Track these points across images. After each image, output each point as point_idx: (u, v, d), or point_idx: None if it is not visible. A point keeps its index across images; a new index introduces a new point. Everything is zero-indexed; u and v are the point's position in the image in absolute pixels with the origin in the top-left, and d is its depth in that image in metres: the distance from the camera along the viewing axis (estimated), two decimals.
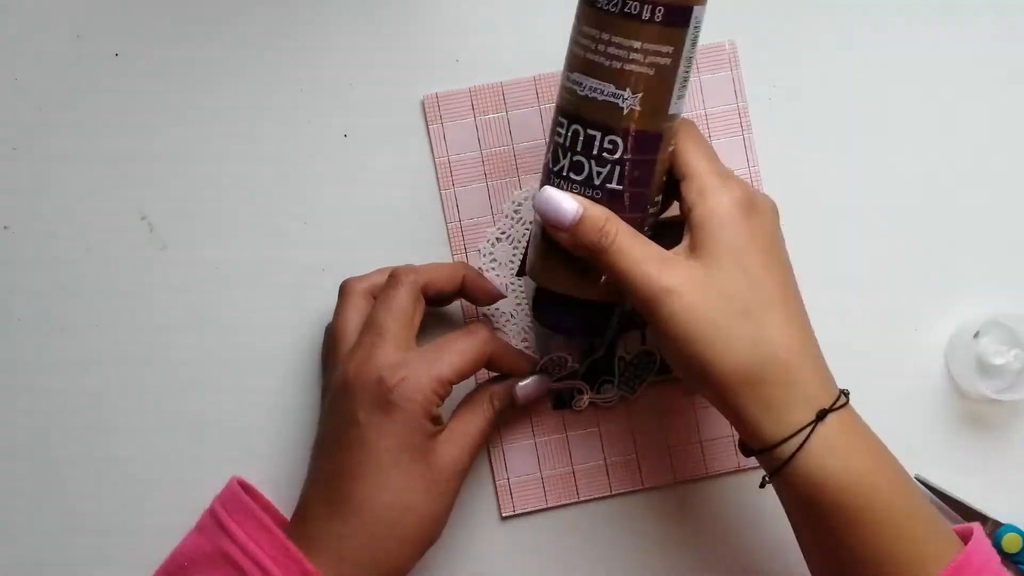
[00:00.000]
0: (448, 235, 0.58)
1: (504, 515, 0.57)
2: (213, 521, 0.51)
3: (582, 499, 0.57)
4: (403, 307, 0.52)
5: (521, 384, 0.55)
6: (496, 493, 0.57)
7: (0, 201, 0.58)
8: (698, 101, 0.59)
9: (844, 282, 0.58)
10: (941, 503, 0.58)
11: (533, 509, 0.58)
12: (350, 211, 0.58)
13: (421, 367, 0.50)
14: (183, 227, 0.58)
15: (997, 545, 0.57)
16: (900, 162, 0.59)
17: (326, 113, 0.59)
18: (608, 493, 0.57)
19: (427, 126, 0.59)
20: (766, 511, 0.56)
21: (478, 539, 0.57)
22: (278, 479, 0.56)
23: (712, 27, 0.58)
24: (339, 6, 0.59)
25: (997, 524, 0.57)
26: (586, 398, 0.57)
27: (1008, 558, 0.57)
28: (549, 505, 0.57)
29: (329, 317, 0.56)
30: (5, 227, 0.57)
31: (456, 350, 0.52)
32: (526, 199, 0.58)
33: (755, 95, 0.59)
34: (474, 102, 0.59)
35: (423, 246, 0.58)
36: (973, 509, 0.57)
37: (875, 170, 0.59)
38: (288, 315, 0.58)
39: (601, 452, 0.58)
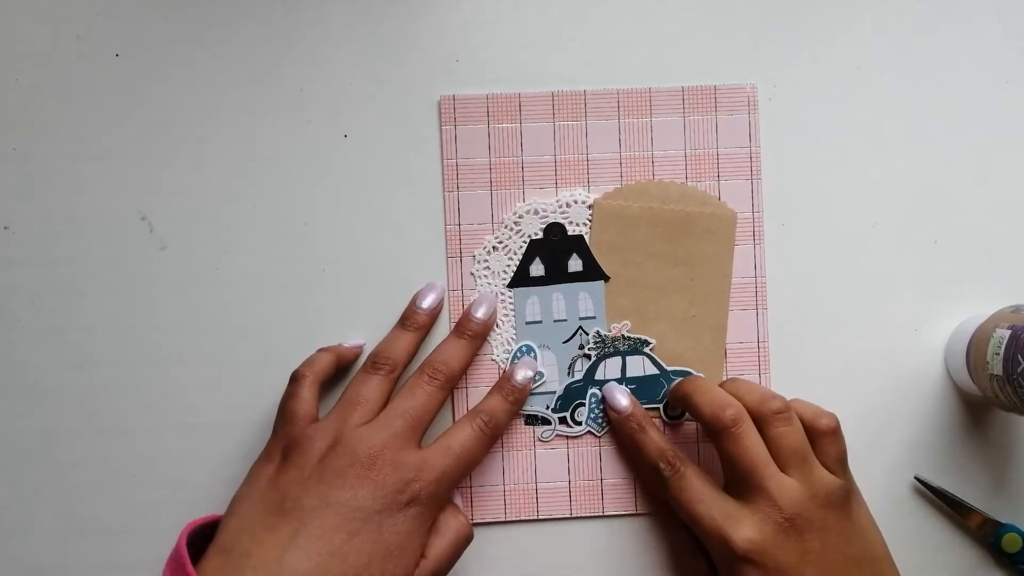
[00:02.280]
0: (446, 237, 0.58)
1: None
2: None
3: (542, 517, 0.58)
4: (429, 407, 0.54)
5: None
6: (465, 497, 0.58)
7: (0, 201, 0.57)
8: (711, 140, 0.58)
9: (845, 282, 0.59)
10: (941, 503, 0.59)
11: (491, 520, 0.58)
12: (350, 211, 0.58)
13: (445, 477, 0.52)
14: (183, 227, 0.57)
15: (997, 545, 0.58)
16: (900, 163, 0.59)
17: (326, 113, 0.57)
18: (568, 515, 0.58)
19: (440, 126, 0.58)
20: None
21: None
22: None
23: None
24: (339, 6, 0.57)
25: (997, 524, 0.58)
26: (552, 431, 0.58)
27: (1008, 558, 0.58)
28: (508, 519, 0.58)
29: (329, 316, 0.57)
30: (5, 227, 0.57)
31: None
32: (528, 211, 0.58)
33: (775, 109, 0.58)
34: (490, 109, 0.58)
35: (420, 247, 0.58)
36: (973, 509, 0.58)
37: (875, 171, 0.59)
38: (287, 315, 0.58)
39: (567, 473, 0.58)
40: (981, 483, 0.59)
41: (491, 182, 0.58)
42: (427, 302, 0.57)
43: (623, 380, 0.59)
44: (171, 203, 0.58)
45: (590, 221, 0.58)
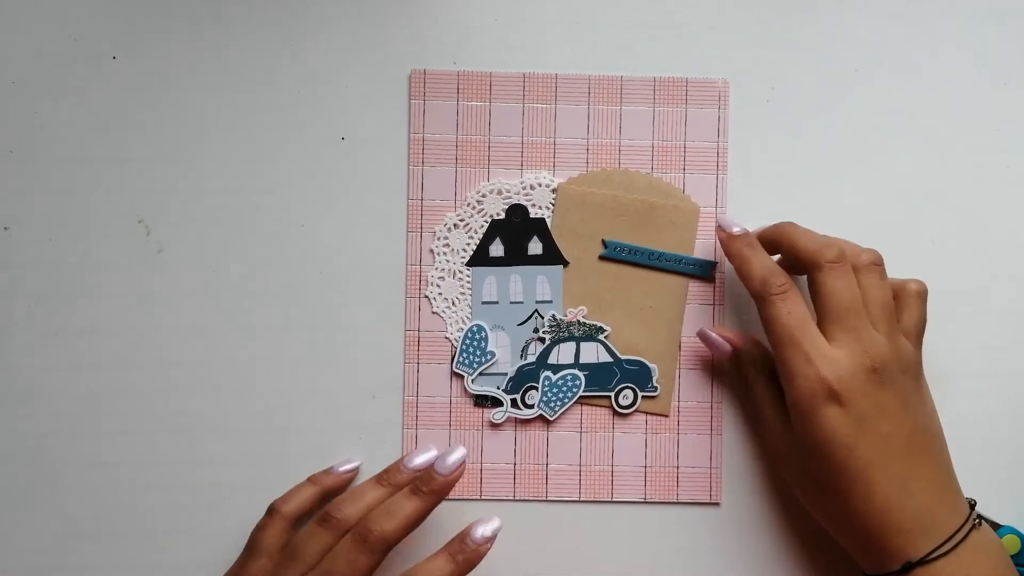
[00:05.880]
0: (407, 212, 0.58)
1: None
2: None
3: (485, 497, 0.57)
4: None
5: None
6: None
7: None
8: (680, 132, 0.58)
9: None
10: None
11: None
12: (348, 214, 0.57)
13: None
14: (180, 230, 0.58)
15: None
16: (898, 164, 0.58)
17: (323, 116, 0.58)
18: (512, 497, 0.58)
19: (409, 100, 0.58)
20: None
21: None
22: (271, 481, 0.57)
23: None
24: (336, 7, 0.58)
25: (996, 525, 0.57)
26: (504, 412, 0.58)
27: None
28: (451, 496, 0.54)
29: (329, 319, 0.57)
30: (5, 228, 0.57)
31: None
32: (491, 191, 0.58)
33: (748, 97, 0.58)
34: (460, 85, 0.58)
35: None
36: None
37: (873, 171, 0.58)
38: (284, 318, 0.57)
39: (512, 455, 0.58)
40: (980, 485, 0.57)
41: (457, 159, 0.58)
42: (414, 463, 0.55)
43: (576, 366, 0.58)
44: (168, 206, 0.58)
45: (553, 205, 0.58)
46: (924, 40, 0.59)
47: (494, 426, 0.58)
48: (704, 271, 0.57)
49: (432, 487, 0.52)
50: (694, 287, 0.58)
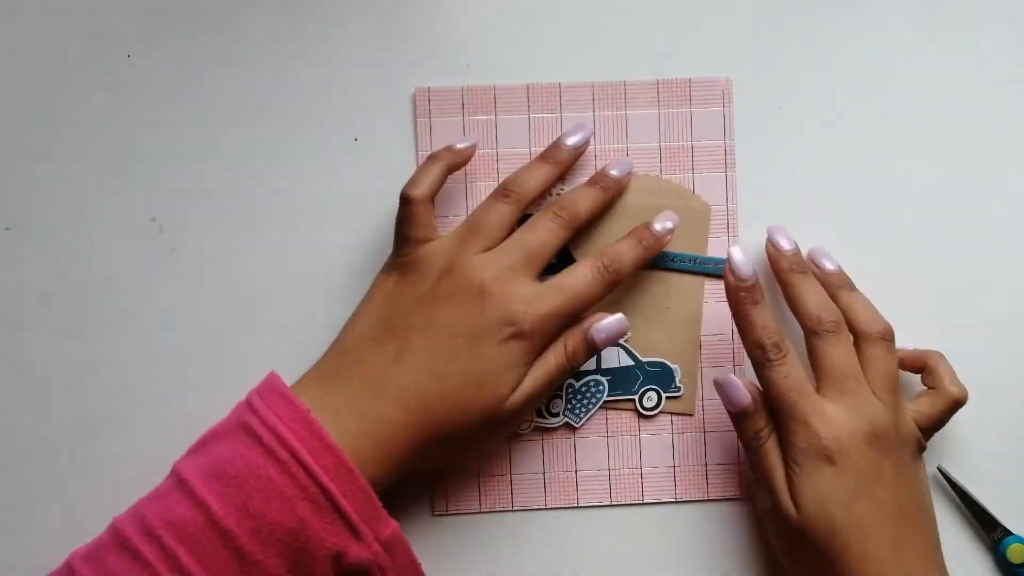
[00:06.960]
0: None
1: (436, 512, 0.57)
2: (244, 402, 0.51)
3: (516, 508, 0.57)
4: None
5: (598, 326, 0.54)
6: (432, 488, 0.57)
7: (13, 201, 0.58)
8: (687, 133, 0.59)
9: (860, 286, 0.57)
10: (956, 498, 0.57)
11: (466, 511, 0.57)
12: (362, 215, 0.58)
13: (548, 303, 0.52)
14: (193, 229, 0.58)
15: (1002, 555, 0.57)
16: (913, 171, 0.59)
17: (337, 116, 0.58)
18: (543, 506, 0.58)
19: (415, 119, 0.58)
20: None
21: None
22: None
23: (710, 60, 0.59)
24: (351, 9, 0.59)
25: (1007, 532, 0.57)
26: (530, 423, 0.58)
27: (1011, 569, 0.57)
28: (483, 510, 0.57)
29: (340, 322, 0.55)
30: (6, 228, 0.58)
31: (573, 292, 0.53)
32: None
33: (757, 96, 0.59)
34: (465, 101, 0.59)
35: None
36: (987, 512, 0.57)
37: (888, 179, 0.59)
38: (297, 318, 0.57)
39: (541, 464, 0.58)
40: (997, 491, 0.58)
41: (466, 174, 0.59)
42: (573, 139, 0.56)
43: (599, 371, 0.58)
44: (181, 204, 0.58)
45: None
46: (938, 41, 0.59)
47: (520, 436, 0.58)
48: (719, 270, 0.57)
49: (607, 185, 0.56)
50: (710, 286, 0.58)
